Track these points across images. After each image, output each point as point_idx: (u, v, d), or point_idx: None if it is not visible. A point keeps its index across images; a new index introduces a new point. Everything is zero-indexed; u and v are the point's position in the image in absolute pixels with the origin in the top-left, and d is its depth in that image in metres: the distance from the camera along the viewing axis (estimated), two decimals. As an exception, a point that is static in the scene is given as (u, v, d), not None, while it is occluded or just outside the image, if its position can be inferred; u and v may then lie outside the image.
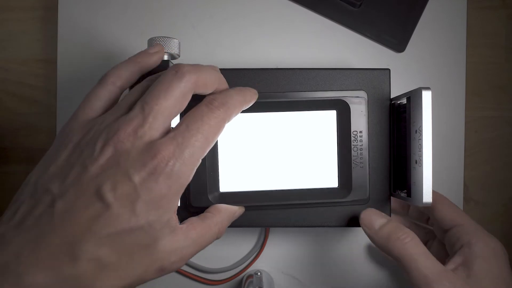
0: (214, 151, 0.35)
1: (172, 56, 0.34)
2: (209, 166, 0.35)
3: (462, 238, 0.33)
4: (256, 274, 0.42)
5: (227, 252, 0.45)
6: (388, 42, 0.45)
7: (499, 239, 0.34)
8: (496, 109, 0.47)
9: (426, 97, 0.31)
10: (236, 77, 0.35)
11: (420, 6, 0.45)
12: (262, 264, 0.45)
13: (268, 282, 0.43)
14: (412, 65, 0.46)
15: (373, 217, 0.33)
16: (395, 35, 0.45)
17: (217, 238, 0.31)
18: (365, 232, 0.34)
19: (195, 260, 0.45)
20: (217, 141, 0.35)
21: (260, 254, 0.45)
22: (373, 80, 0.36)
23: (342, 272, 0.46)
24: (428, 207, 0.37)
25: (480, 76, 0.47)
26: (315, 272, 0.46)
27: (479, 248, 0.32)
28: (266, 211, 0.35)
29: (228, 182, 0.36)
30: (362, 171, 0.35)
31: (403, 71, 0.45)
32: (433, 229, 0.39)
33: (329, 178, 0.36)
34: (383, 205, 0.36)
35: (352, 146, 0.35)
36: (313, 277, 0.46)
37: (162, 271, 0.28)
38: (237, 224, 0.35)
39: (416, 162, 0.32)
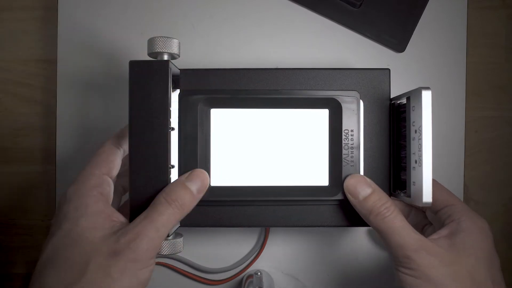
0: (206, 145, 0.35)
1: (172, 56, 0.34)
2: (200, 160, 0.35)
3: (452, 216, 0.34)
4: (256, 274, 0.42)
5: (227, 252, 0.46)
6: (388, 42, 0.45)
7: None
8: (496, 109, 0.47)
9: (426, 97, 0.31)
10: (236, 77, 0.35)
11: (420, 6, 0.45)
12: (262, 264, 0.45)
13: (268, 282, 0.43)
14: (412, 65, 0.46)
15: (359, 187, 0.33)
16: (395, 35, 0.45)
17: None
18: (349, 199, 0.34)
19: (195, 260, 0.45)
20: (210, 135, 0.36)
21: (260, 254, 0.45)
22: (373, 80, 0.36)
23: (341, 272, 0.46)
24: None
25: (480, 76, 0.47)
26: (315, 272, 0.46)
27: (466, 224, 0.33)
28: (265, 207, 0.35)
29: (219, 177, 0.36)
30: (352, 169, 0.35)
31: (403, 71, 0.45)
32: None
33: (320, 176, 0.36)
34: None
35: (343, 145, 0.35)
36: (313, 277, 0.46)
37: None
38: (236, 223, 0.35)
39: (416, 162, 0.32)
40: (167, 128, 0.33)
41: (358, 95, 0.35)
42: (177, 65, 0.36)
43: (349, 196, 0.34)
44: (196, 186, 0.33)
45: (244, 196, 0.35)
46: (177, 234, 0.34)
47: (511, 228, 0.47)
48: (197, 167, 0.35)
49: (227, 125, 0.36)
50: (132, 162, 0.33)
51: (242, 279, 0.45)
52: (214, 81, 0.35)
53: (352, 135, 0.35)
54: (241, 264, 0.45)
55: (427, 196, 0.31)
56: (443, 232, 0.33)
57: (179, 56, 0.35)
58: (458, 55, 0.46)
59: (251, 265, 0.45)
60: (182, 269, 0.45)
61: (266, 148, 0.36)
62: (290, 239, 0.46)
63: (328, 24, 0.46)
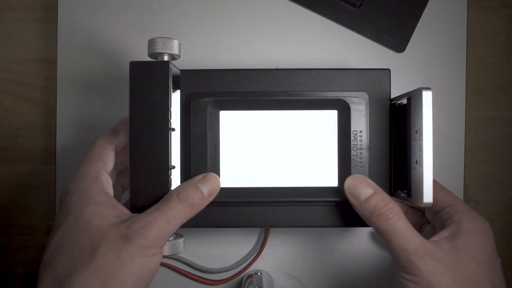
0: (215, 147, 0.36)
1: (173, 57, 0.34)
2: (210, 162, 0.35)
3: (453, 216, 0.34)
4: (256, 274, 0.42)
5: (227, 252, 0.46)
6: (388, 42, 0.45)
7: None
8: (496, 109, 0.47)
9: (427, 97, 0.31)
10: (236, 77, 0.35)
11: (420, 6, 0.45)
12: (262, 264, 0.45)
13: (268, 282, 0.43)
14: (412, 65, 0.46)
15: (360, 188, 0.33)
16: (395, 35, 0.45)
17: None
18: (350, 200, 0.33)
19: (195, 260, 0.45)
20: (219, 137, 0.36)
21: (260, 254, 0.45)
22: (373, 80, 0.36)
23: (342, 272, 0.46)
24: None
25: (480, 76, 0.47)
26: (315, 272, 0.46)
27: (468, 225, 0.33)
28: (265, 207, 0.36)
29: (228, 178, 0.36)
30: (361, 170, 0.35)
31: (403, 71, 0.45)
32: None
33: (329, 177, 0.36)
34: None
35: (352, 146, 0.35)
36: (313, 277, 0.46)
37: None
38: (237, 224, 0.35)
39: (416, 162, 0.32)
40: (168, 129, 0.33)
41: (367, 96, 0.35)
42: (177, 65, 0.36)
43: (350, 197, 0.33)
44: (208, 189, 0.33)
45: (254, 197, 0.35)
46: (178, 235, 0.34)
47: (511, 228, 0.47)
48: (206, 169, 0.35)
49: (236, 127, 0.36)
50: (132, 162, 0.33)
51: (242, 279, 0.45)
52: (214, 82, 0.35)
53: (360, 136, 0.35)
54: (241, 264, 0.45)
55: (427, 196, 0.31)
56: (444, 233, 0.33)
57: (179, 57, 0.35)
58: (458, 55, 0.46)
59: (251, 265, 0.45)
60: (183, 269, 0.45)
61: (276, 150, 0.36)
62: (290, 239, 0.46)
63: (328, 24, 0.46)
